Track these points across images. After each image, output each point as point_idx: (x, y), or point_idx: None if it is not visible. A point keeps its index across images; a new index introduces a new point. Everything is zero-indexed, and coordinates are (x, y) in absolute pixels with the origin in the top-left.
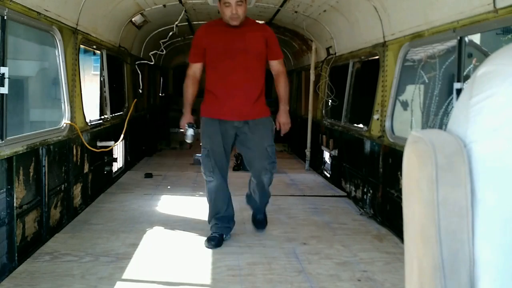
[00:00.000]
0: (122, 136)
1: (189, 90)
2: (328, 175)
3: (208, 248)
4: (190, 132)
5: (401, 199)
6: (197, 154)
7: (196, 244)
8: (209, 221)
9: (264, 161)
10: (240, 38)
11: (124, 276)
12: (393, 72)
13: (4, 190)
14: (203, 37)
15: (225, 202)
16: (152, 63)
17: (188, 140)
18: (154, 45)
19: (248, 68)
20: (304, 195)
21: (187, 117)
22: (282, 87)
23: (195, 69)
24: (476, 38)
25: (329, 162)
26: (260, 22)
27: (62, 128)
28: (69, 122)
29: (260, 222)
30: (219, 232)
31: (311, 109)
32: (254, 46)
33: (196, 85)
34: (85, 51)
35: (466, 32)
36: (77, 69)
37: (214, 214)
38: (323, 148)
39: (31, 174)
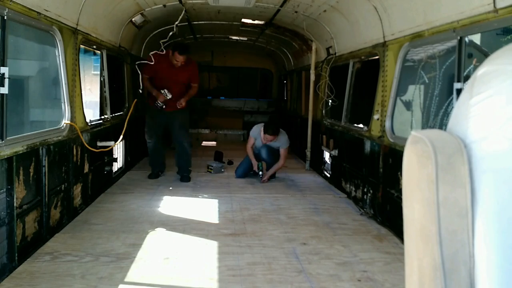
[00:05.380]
0: (122, 136)
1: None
2: (328, 175)
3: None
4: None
5: (401, 199)
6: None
7: (196, 244)
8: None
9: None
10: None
11: (124, 276)
12: (393, 72)
13: (4, 190)
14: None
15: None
16: (152, 63)
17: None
18: (154, 45)
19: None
20: (304, 195)
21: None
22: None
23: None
24: (476, 38)
25: (329, 162)
26: (261, 22)
27: (62, 128)
28: (69, 122)
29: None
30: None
31: (311, 109)
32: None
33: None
34: (85, 51)
35: (466, 32)
36: (77, 69)
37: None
38: (323, 148)
39: (31, 174)
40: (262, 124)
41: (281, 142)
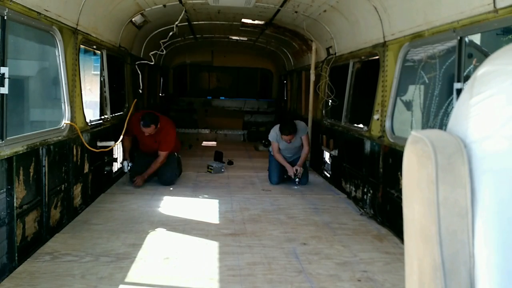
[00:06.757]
0: (122, 136)
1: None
2: (328, 175)
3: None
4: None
5: (401, 199)
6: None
7: (196, 245)
8: None
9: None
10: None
11: (124, 276)
12: (393, 72)
13: (4, 190)
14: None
15: None
16: (152, 63)
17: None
18: (154, 45)
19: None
20: (304, 195)
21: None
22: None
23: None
24: (476, 38)
25: (329, 162)
26: (261, 22)
27: (62, 128)
28: (69, 122)
29: None
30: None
31: (311, 109)
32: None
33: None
34: (85, 51)
35: (466, 32)
36: (77, 69)
37: None
38: (323, 148)
39: (31, 174)
40: (277, 126)
41: (301, 131)
